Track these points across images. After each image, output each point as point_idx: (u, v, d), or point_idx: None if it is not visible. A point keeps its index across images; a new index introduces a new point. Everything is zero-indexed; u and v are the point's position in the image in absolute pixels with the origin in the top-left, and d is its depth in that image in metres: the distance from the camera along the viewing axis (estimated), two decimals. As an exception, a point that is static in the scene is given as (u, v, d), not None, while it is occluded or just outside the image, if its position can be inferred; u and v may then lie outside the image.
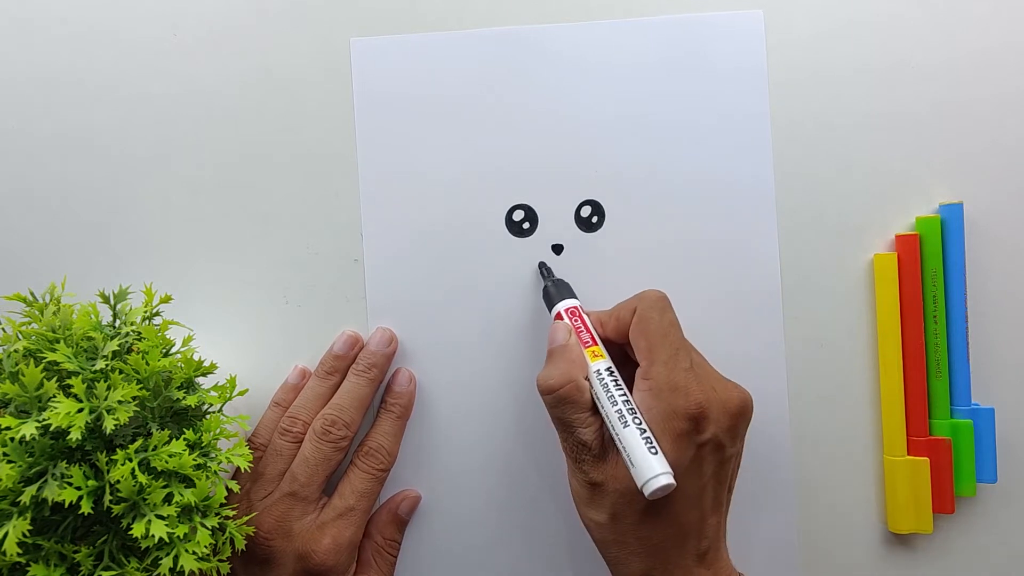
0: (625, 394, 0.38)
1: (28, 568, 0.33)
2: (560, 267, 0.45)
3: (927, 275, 0.44)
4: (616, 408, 0.37)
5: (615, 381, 0.38)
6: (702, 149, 0.45)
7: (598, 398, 0.38)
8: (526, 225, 0.45)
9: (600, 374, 0.39)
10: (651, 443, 0.36)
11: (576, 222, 0.45)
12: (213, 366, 0.40)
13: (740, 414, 0.38)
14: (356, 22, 0.45)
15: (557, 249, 0.45)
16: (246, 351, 0.46)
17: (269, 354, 0.46)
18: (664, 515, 0.37)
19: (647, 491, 0.35)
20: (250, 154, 0.46)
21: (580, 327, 0.41)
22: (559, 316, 0.42)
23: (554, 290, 0.43)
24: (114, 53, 0.46)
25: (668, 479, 0.35)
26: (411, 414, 0.46)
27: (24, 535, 0.32)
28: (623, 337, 0.40)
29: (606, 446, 0.38)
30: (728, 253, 0.45)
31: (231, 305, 0.46)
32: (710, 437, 0.37)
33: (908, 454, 0.44)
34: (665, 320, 0.39)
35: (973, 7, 0.45)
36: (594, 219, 0.45)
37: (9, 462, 0.32)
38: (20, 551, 0.32)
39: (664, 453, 0.36)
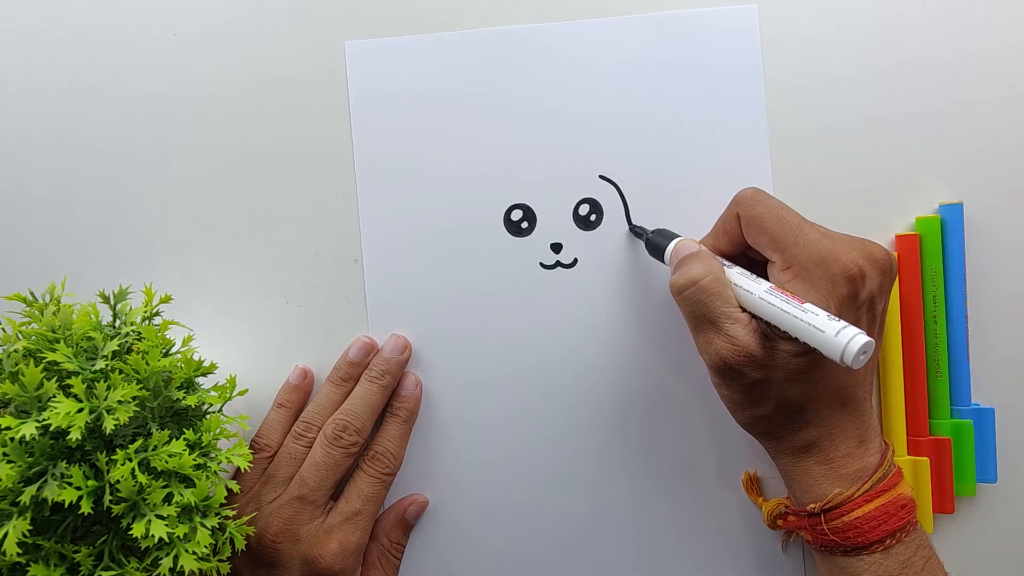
0: (773, 286, 0.37)
1: (28, 568, 0.33)
2: (559, 266, 0.45)
3: (927, 275, 0.44)
4: (776, 295, 0.36)
5: (756, 276, 0.38)
6: (701, 145, 0.45)
7: (751, 292, 0.37)
8: (524, 224, 0.45)
9: (742, 274, 0.38)
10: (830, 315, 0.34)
11: (575, 220, 0.45)
12: (213, 366, 0.40)
13: (888, 268, 0.37)
14: (355, 22, 0.45)
15: (556, 248, 0.45)
16: (246, 351, 0.46)
17: (269, 354, 0.46)
18: (825, 385, 0.37)
19: (849, 358, 0.33)
20: (250, 154, 0.46)
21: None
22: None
23: (659, 238, 0.42)
24: (114, 53, 0.46)
25: (866, 336, 0.33)
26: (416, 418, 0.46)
27: (24, 535, 0.32)
28: (739, 247, 0.40)
29: (758, 341, 0.36)
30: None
31: (231, 305, 0.46)
32: (867, 296, 0.36)
33: (908, 454, 0.44)
34: (773, 207, 0.38)
35: (973, 7, 0.45)
36: (592, 217, 0.45)
37: (9, 462, 0.32)
38: (20, 551, 0.32)
39: None
